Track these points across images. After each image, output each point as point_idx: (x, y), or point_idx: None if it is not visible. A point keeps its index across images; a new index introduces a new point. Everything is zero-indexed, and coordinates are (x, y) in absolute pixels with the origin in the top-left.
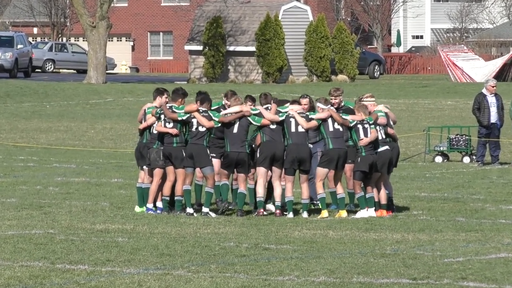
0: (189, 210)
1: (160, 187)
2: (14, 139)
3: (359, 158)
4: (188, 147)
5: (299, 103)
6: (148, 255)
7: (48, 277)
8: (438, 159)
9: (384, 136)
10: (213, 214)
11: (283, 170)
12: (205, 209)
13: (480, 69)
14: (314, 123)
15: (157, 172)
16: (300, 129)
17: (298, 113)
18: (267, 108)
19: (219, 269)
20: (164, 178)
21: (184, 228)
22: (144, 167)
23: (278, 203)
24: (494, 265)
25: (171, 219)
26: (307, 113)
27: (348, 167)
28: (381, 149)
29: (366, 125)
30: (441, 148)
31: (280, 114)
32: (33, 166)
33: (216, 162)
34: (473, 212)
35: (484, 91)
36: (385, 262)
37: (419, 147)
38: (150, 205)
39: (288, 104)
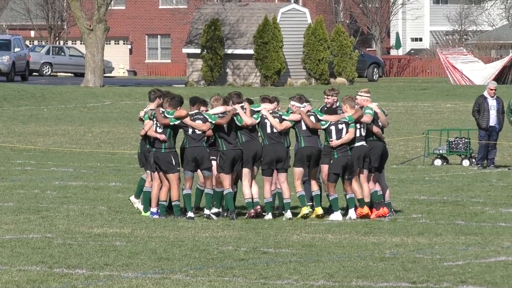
0: (190, 214)
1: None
2: (11, 142)
3: (331, 160)
4: (189, 151)
5: (270, 101)
6: (146, 259)
7: (46, 281)
8: (438, 162)
9: (364, 134)
10: (214, 217)
11: (261, 171)
12: (206, 211)
13: (479, 72)
14: (287, 123)
15: (156, 176)
16: (275, 130)
17: (271, 113)
18: (242, 108)
19: (217, 273)
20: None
21: (182, 232)
22: (147, 171)
23: (256, 199)
24: (494, 268)
25: (169, 223)
26: (280, 113)
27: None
28: (356, 144)
29: (341, 126)
30: (441, 151)
31: (255, 116)
32: (30, 170)
33: (214, 165)
34: (472, 215)
35: (485, 93)
36: (384, 265)
37: (418, 150)
38: (154, 209)
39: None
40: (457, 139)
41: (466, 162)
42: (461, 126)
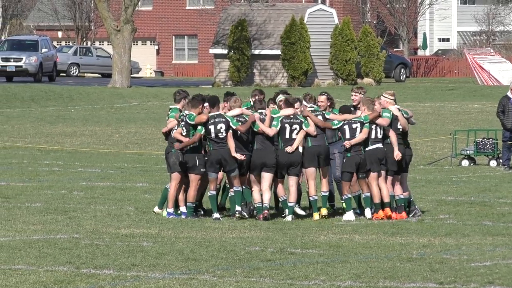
0: (216, 215)
1: (178, 191)
2: (39, 143)
3: (344, 159)
4: (213, 153)
5: (293, 106)
6: (173, 259)
7: (73, 282)
8: (465, 162)
9: (380, 136)
10: (245, 214)
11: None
12: (238, 208)
13: (506, 72)
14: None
15: (175, 176)
16: (294, 135)
17: (291, 118)
18: (261, 114)
19: (244, 274)
20: (183, 183)
21: (209, 232)
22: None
23: (266, 205)
24: None
25: (196, 224)
26: (302, 119)
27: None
28: (371, 147)
29: (355, 125)
30: (468, 152)
31: (274, 124)
32: (58, 170)
33: None
34: (500, 216)
35: (509, 93)
36: (411, 266)
37: (446, 150)
38: (170, 210)
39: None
40: (485, 139)
41: (493, 163)
42: (488, 126)
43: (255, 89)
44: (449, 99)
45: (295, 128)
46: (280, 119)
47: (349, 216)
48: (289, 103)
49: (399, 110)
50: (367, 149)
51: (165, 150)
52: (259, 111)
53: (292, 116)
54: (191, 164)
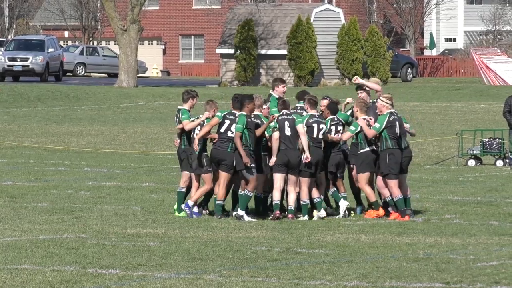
0: (246, 216)
1: (188, 191)
2: (45, 143)
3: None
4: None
5: (315, 107)
6: (179, 259)
7: (80, 281)
8: (471, 162)
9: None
10: (246, 218)
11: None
12: (240, 212)
13: None
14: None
15: (194, 176)
16: (321, 135)
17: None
18: (282, 114)
19: (251, 274)
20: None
21: (215, 232)
22: (183, 171)
23: (291, 207)
24: None
25: (203, 223)
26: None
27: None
28: (364, 149)
29: (340, 127)
30: (474, 152)
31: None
32: (64, 170)
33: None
34: (506, 215)
35: None
36: (418, 266)
37: (452, 150)
38: (191, 203)
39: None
40: (491, 139)
41: (500, 163)
42: (495, 126)
43: (276, 78)
44: (456, 99)
45: (322, 128)
46: (306, 119)
47: (343, 203)
48: (314, 103)
49: (396, 118)
50: (362, 151)
51: (186, 150)
52: (282, 111)
53: (317, 116)
54: (226, 162)
